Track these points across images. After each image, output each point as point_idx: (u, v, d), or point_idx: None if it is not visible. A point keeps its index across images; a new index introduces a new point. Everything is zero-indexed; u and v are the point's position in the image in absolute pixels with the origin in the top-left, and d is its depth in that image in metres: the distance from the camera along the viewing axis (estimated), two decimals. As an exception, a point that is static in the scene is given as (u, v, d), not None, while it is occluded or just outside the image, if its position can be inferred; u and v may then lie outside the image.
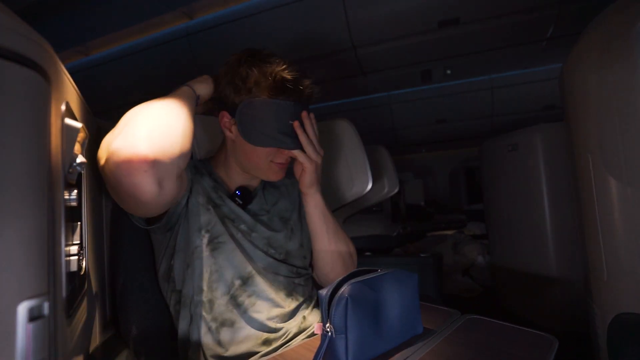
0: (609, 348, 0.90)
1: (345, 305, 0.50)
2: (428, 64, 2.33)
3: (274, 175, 0.77)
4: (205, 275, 0.70)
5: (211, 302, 0.69)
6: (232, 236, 0.73)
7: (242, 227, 0.75)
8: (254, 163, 0.76)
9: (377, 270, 0.61)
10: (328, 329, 0.51)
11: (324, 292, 0.54)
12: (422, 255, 2.21)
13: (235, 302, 0.70)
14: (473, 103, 3.11)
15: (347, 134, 1.18)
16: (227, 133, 0.76)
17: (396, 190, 2.09)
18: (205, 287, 0.70)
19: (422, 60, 2.26)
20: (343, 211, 1.39)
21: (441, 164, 5.56)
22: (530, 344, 0.58)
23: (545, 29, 1.85)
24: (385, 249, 3.08)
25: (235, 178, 0.81)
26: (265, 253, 0.76)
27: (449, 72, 2.46)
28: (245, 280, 0.72)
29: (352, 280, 0.54)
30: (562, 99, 1.13)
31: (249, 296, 0.71)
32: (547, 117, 2.96)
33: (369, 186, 1.15)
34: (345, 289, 0.52)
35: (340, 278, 0.56)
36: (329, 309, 0.51)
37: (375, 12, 1.75)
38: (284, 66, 0.70)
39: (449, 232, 4.01)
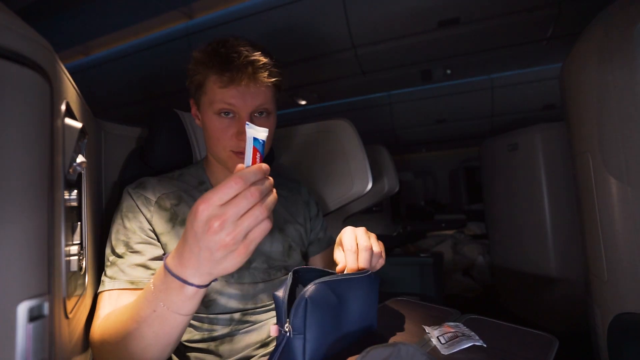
0: (609, 348, 0.90)
1: (304, 307, 0.50)
2: (428, 63, 2.33)
3: None
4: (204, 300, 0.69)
5: (210, 320, 0.69)
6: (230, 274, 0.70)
7: None
8: (215, 153, 0.72)
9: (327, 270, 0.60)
10: (287, 329, 0.50)
11: (279, 293, 0.53)
12: (422, 255, 2.21)
13: (233, 319, 0.70)
14: (473, 103, 3.11)
15: (347, 134, 1.18)
16: (197, 122, 0.76)
17: (396, 190, 2.09)
18: (203, 311, 0.70)
19: (422, 60, 2.26)
20: (343, 211, 1.39)
21: (441, 164, 5.56)
22: (530, 344, 0.58)
23: (545, 28, 1.85)
24: (385, 249, 3.07)
25: (223, 177, 0.77)
26: (265, 281, 0.74)
27: (449, 72, 2.47)
28: (245, 311, 0.71)
29: (317, 281, 0.53)
30: (562, 99, 1.13)
31: (246, 314, 0.71)
32: (547, 117, 2.96)
33: (369, 186, 1.15)
34: (305, 290, 0.51)
35: (290, 276, 0.54)
36: (288, 310, 0.51)
37: (375, 12, 1.75)
38: (229, 43, 0.65)
39: (449, 232, 4.00)
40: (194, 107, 0.75)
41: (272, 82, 0.68)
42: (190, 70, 0.70)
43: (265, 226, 0.41)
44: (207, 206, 0.39)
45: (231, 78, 0.64)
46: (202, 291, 0.45)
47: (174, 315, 0.46)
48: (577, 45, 0.96)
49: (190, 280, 0.43)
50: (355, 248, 0.60)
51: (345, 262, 0.59)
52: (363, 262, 0.59)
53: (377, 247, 0.62)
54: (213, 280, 0.45)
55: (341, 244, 0.62)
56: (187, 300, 0.45)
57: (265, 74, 0.66)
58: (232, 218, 0.38)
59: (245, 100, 0.66)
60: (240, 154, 0.69)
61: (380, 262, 0.62)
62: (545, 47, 2.06)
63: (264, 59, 0.65)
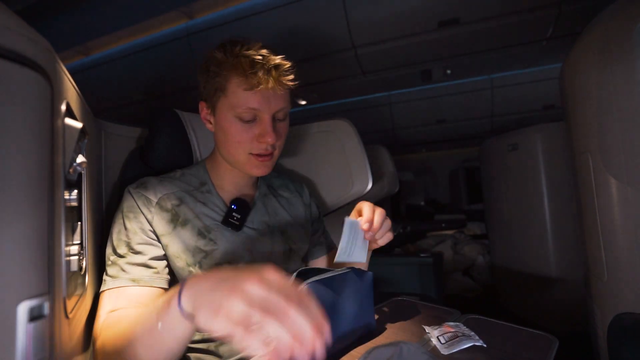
0: (609, 348, 0.90)
1: None
2: (428, 63, 2.32)
3: (256, 169, 0.72)
4: None
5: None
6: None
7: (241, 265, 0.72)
8: (233, 156, 0.71)
9: (329, 269, 0.60)
10: None
11: None
12: (422, 255, 2.21)
13: None
14: (473, 103, 3.11)
15: (347, 134, 1.17)
16: (208, 125, 0.75)
17: (396, 190, 2.09)
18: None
19: (422, 60, 2.26)
20: (343, 211, 1.39)
21: (441, 164, 5.55)
22: (530, 344, 0.58)
23: (545, 29, 1.84)
24: (385, 249, 3.08)
25: (227, 178, 0.77)
26: None
27: (449, 72, 2.46)
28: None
29: (309, 280, 0.53)
30: (562, 99, 1.13)
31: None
32: (547, 117, 2.96)
33: (369, 186, 1.15)
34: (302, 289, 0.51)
35: (293, 278, 0.54)
36: None
37: (375, 12, 1.75)
38: (251, 46, 0.66)
39: (449, 232, 4.00)
40: (205, 110, 0.73)
41: (293, 85, 0.69)
42: (210, 72, 0.68)
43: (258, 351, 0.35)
44: (257, 273, 0.39)
45: (258, 81, 0.64)
46: (183, 325, 0.42)
47: (158, 331, 0.44)
48: (577, 45, 0.96)
49: (183, 294, 0.41)
50: (373, 208, 0.67)
51: (364, 215, 0.65)
52: (377, 222, 0.65)
53: (388, 223, 0.69)
54: (190, 319, 0.41)
55: (358, 209, 0.69)
56: (171, 320, 0.43)
57: (289, 77, 0.68)
58: (253, 296, 0.37)
59: (270, 104, 0.67)
60: (260, 156, 0.70)
61: (387, 236, 0.69)
62: (545, 47, 2.05)
63: (286, 63, 0.67)
